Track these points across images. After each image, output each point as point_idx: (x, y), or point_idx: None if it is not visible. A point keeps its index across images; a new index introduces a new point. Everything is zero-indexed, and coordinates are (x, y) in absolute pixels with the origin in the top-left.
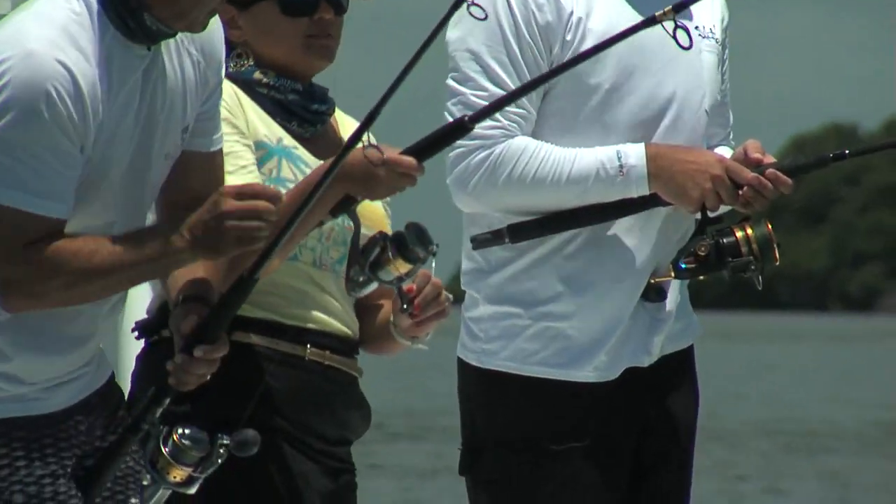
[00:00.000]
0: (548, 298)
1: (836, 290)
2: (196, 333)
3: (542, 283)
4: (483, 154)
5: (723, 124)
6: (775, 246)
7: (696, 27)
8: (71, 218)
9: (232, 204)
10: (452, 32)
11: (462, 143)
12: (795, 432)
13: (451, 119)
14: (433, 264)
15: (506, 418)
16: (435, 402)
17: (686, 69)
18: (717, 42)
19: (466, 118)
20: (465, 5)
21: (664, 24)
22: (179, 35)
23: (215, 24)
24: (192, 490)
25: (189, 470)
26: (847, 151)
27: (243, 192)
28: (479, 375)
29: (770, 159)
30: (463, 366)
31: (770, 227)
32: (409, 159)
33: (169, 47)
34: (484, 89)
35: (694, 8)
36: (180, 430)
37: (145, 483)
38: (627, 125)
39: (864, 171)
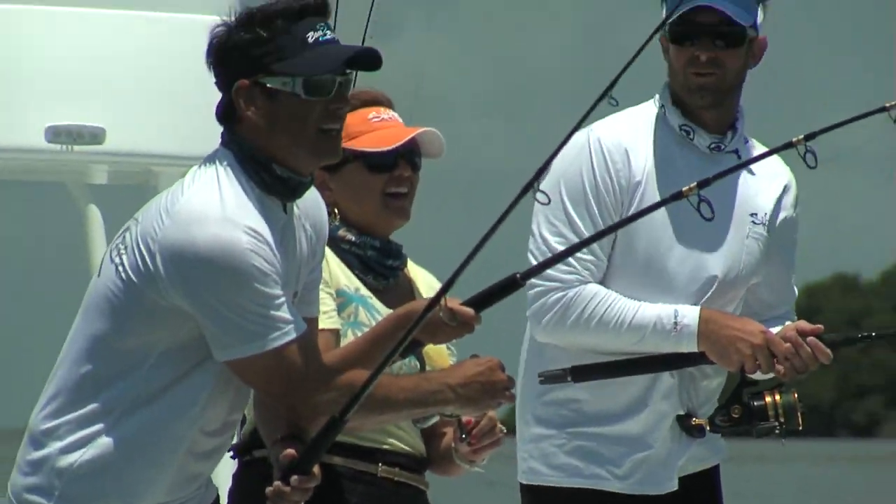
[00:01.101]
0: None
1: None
2: (292, 466)
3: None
4: (558, 295)
5: (778, 301)
6: (799, 413)
7: (752, 213)
8: None
9: (503, 376)
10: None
11: (541, 283)
12: None
13: (533, 261)
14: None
15: None
16: None
17: (707, 240)
18: (765, 229)
19: (518, 275)
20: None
21: (689, 198)
22: (297, 211)
23: (322, 206)
24: None
25: None
26: (874, 334)
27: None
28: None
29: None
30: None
31: (796, 395)
32: (469, 311)
33: (291, 218)
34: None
35: (757, 196)
36: None
37: None
38: (662, 284)
39: (865, 315)
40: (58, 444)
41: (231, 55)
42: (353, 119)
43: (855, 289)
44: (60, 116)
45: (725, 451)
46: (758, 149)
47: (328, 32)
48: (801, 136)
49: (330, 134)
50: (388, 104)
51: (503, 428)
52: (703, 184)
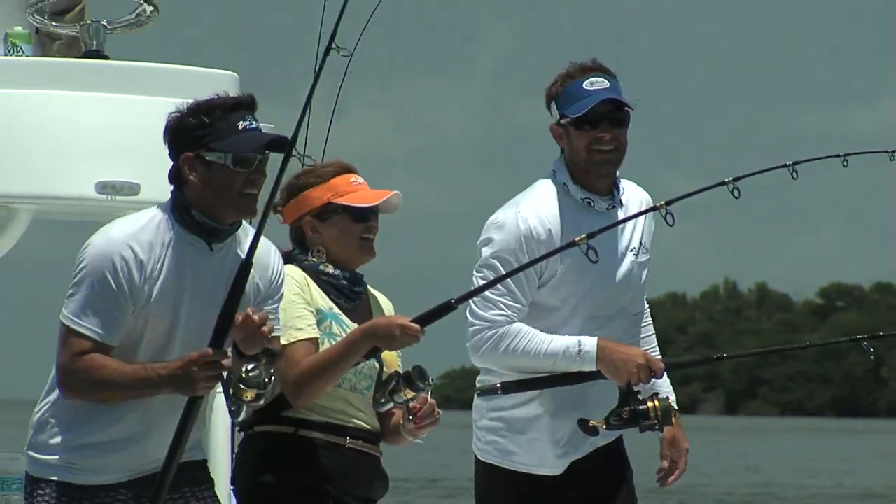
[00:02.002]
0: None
1: None
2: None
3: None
4: (491, 332)
5: (643, 303)
6: (672, 413)
7: (632, 248)
8: (139, 349)
9: (200, 359)
10: (484, 249)
11: (478, 323)
12: None
13: (474, 304)
14: (430, 391)
15: None
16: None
17: (599, 277)
18: (647, 252)
19: (453, 300)
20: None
21: (580, 246)
22: (243, 259)
23: (273, 263)
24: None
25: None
26: (725, 355)
27: (203, 355)
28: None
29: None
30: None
31: (669, 400)
32: (416, 326)
33: (223, 260)
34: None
35: (636, 232)
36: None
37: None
38: (575, 315)
39: (689, 323)
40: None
41: (181, 135)
42: (340, 181)
43: (683, 304)
44: (106, 174)
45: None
46: (630, 187)
47: (254, 122)
48: (663, 202)
49: (250, 196)
50: (356, 171)
51: (440, 412)
52: (591, 235)
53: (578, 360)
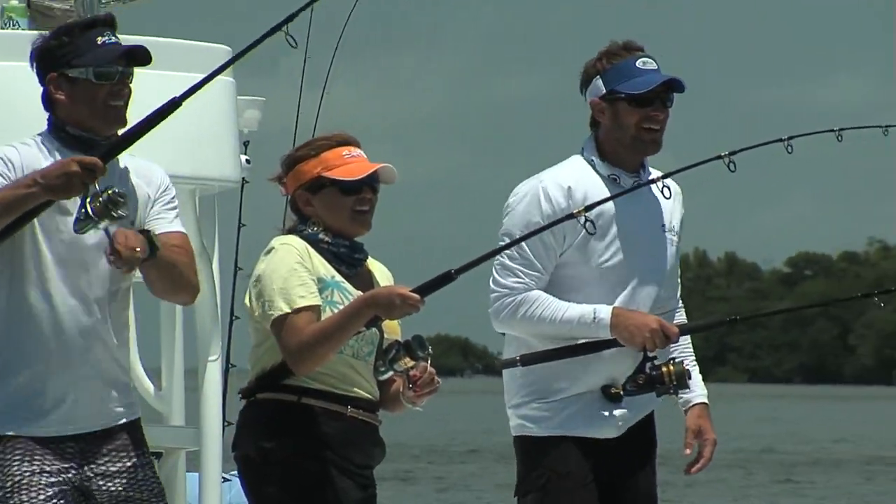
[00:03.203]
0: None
1: None
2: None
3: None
4: (510, 299)
5: (675, 295)
6: (686, 377)
7: (661, 225)
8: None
9: (80, 164)
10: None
11: (498, 289)
12: None
13: (496, 271)
14: (429, 359)
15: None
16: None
17: (620, 248)
18: (676, 235)
19: (452, 271)
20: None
21: (578, 218)
22: (129, 172)
23: (153, 171)
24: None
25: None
26: (738, 317)
27: (93, 160)
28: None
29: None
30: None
31: (684, 365)
32: (416, 296)
33: (112, 172)
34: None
35: (664, 212)
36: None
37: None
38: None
39: None
40: None
41: (44, 57)
42: (331, 155)
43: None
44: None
45: (657, 403)
46: (654, 175)
47: (112, 37)
48: (661, 174)
49: (116, 108)
50: (357, 144)
51: (439, 380)
52: (588, 208)
53: (594, 326)
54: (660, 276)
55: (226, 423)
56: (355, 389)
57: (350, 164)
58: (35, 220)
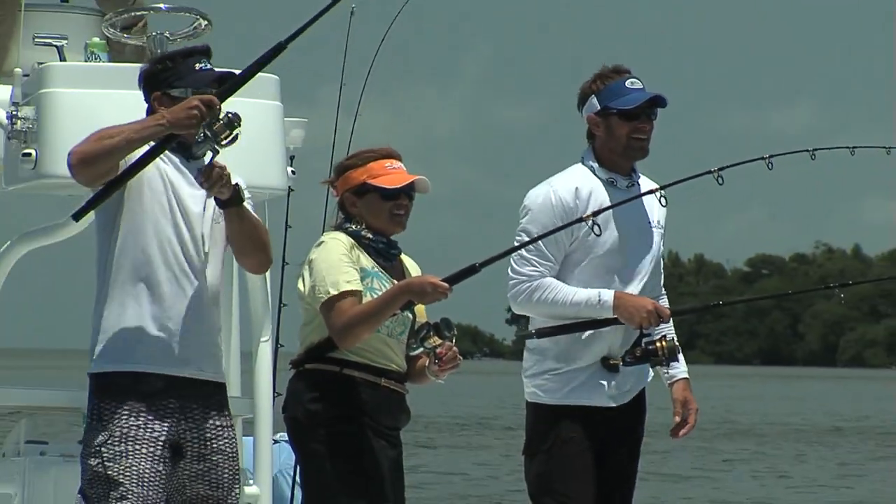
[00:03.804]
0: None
1: None
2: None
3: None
4: (526, 284)
5: (660, 283)
6: (676, 351)
7: (649, 221)
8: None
9: (201, 102)
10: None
11: (516, 277)
12: None
13: (514, 262)
14: (455, 339)
15: None
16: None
17: (619, 241)
18: (662, 231)
19: (477, 264)
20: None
21: (587, 221)
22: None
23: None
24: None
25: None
26: (722, 302)
27: (211, 98)
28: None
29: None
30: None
31: (675, 341)
32: (445, 284)
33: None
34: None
35: (653, 211)
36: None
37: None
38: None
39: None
40: None
41: (150, 79)
42: (376, 165)
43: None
44: None
45: (649, 376)
46: (643, 179)
47: (207, 64)
48: (658, 186)
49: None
50: (398, 157)
51: (461, 358)
52: (595, 213)
53: (598, 307)
54: (648, 267)
55: (275, 394)
56: (389, 363)
57: (391, 174)
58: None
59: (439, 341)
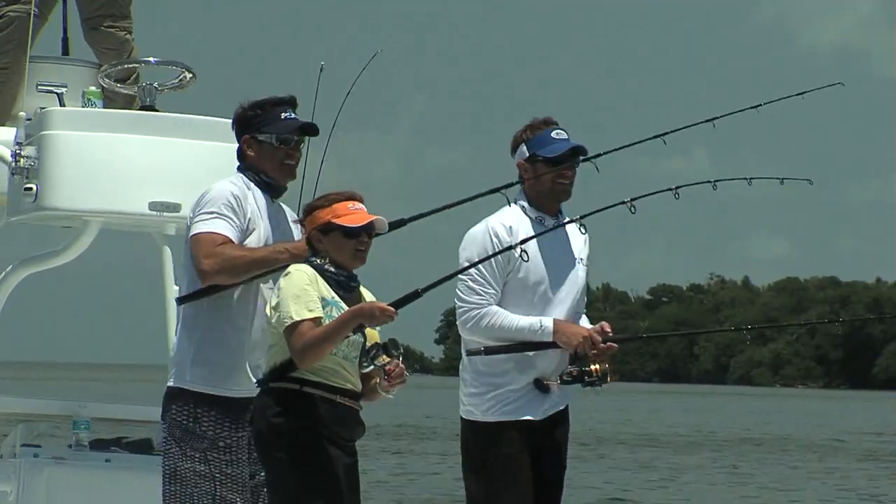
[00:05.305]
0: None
1: None
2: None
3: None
4: (475, 311)
5: (583, 309)
6: (608, 375)
7: (573, 256)
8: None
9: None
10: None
11: (464, 304)
12: None
13: (462, 292)
14: (401, 357)
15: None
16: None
17: (546, 271)
18: (585, 264)
19: (419, 290)
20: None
21: (515, 250)
22: (284, 209)
23: (291, 215)
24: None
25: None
26: (646, 335)
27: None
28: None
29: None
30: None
31: (607, 365)
32: (391, 309)
33: (279, 208)
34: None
35: (577, 247)
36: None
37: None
38: (534, 301)
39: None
40: None
41: (242, 122)
42: (340, 206)
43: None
44: (157, 196)
45: (570, 397)
46: (568, 218)
47: (293, 113)
48: (578, 216)
49: (290, 165)
50: (360, 199)
51: (407, 374)
52: (522, 242)
53: (540, 333)
54: (572, 294)
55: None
56: (344, 382)
57: (353, 214)
58: None
59: (388, 359)
